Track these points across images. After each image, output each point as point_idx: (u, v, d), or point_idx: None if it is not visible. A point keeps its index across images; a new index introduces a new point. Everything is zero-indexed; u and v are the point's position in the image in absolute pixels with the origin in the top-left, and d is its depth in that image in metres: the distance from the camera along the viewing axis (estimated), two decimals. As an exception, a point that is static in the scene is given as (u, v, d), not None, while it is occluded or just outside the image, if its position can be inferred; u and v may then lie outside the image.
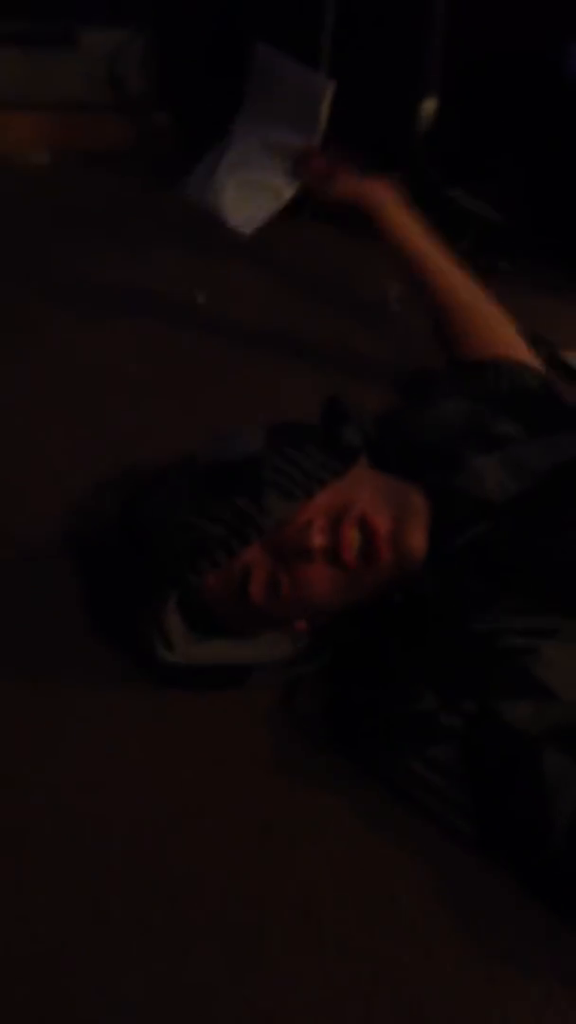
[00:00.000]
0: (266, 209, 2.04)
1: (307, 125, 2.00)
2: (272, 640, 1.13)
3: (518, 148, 1.95)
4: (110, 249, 1.93)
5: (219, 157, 2.10)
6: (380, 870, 0.96)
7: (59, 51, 2.25)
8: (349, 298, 1.89)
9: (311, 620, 1.12)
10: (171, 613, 1.08)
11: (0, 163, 2.20)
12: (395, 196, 1.54)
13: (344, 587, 1.06)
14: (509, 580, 1.03)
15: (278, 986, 0.87)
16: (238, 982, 0.87)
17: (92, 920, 0.91)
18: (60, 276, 1.83)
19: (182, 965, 0.88)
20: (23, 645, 1.16)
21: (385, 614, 1.07)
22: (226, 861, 0.96)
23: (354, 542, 1.04)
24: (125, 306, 1.77)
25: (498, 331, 1.49)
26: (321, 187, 1.61)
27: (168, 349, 1.67)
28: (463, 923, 0.92)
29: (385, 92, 2.00)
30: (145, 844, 0.97)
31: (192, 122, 2.24)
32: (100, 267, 1.87)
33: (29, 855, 0.96)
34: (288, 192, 2.04)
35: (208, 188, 2.08)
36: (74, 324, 1.71)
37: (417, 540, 1.06)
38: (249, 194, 2.05)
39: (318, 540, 1.04)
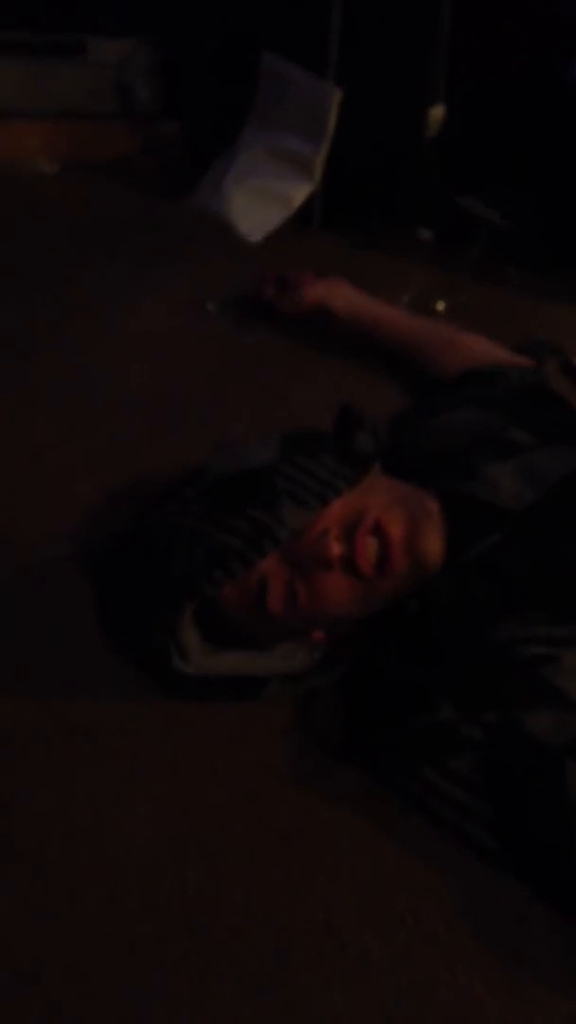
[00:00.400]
0: (274, 217, 2.05)
1: (314, 133, 2.01)
2: (288, 651, 1.12)
3: (527, 155, 1.94)
4: (118, 258, 1.92)
5: (227, 165, 2.11)
6: (399, 884, 0.95)
7: (67, 60, 2.25)
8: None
9: (329, 630, 1.11)
10: (187, 625, 1.07)
11: (7, 172, 2.19)
12: (347, 284, 1.66)
13: (362, 596, 1.05)
14: (527, 589, 1.03)
15: (298, 1003, 0.86)
16: (257, 998, 0.86)
17: (107, 937, 0.90)
18: (67, 286, 1.83)
19: (199, 981, 0.87)
20: (34, 657, 1.15)
21: (401, 624, 1.06)
22: (243, 875, 0.95)
23: (370, 550, 1.04)
24: (133, 314, 1.76)
25: (475, 343, 1.54)
26: (291, 300, 1.67)
27: (178, 358, 1.66)
28: (485, 937, 0.91)
29: (392, 99, 2.00)
30: (160, 859, 0.96)
31: (200, 131, 2.25)
32: (108, 276, 1.86)
33: (40, 870, 0.95)
34: (297, 199, 2.05)
35: (216, 196, 2.09)
36: (81, 333, 1.70)
37: (433, 545, 1.05)
38: (257, 202, 2.06)
39: (335, 549, 1.03)
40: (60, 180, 2.24)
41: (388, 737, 1.02)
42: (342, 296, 1.64)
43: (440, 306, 1.80)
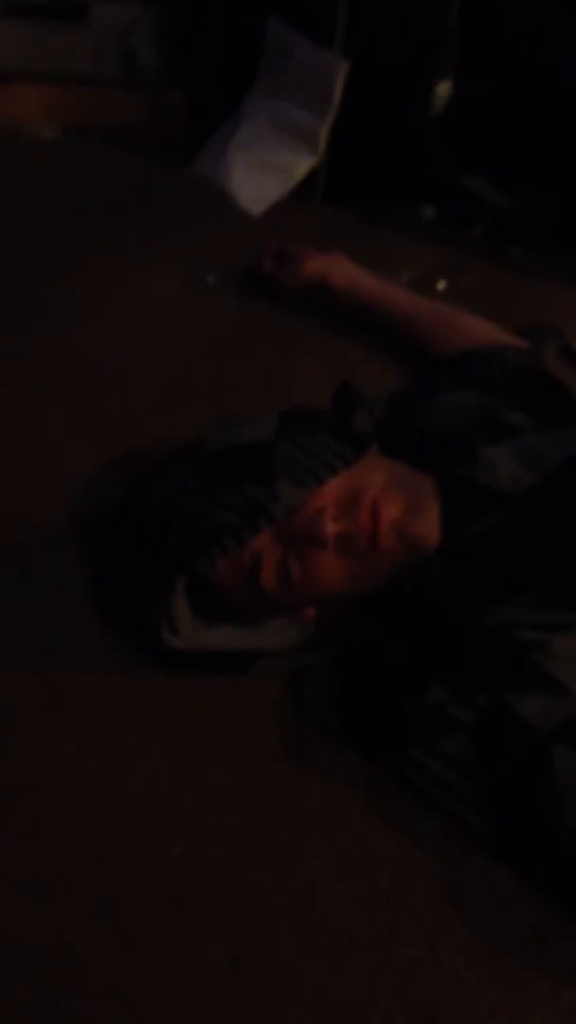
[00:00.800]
0: (276, 189, 2.04)
1: (319, 105, 1.99)
2: (279, 627, 1.12)
3: (533, 134, 1.93)
4: (119, 227, 1.91)
5: (230, 135, 2.09)
6: (386, 863, 0.95)
7: (71, 25, 2.22)
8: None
9: (321, 608, 1.11)
10: (179, 599, 1.07)
11: (10, 136, 2.17)
12: (347, 260, 1.66)
13: (355, 575, 1.05)
14: (521, 573, 1.03)
15: (283, 979, 0.86)
16: (240, 972, 0.87)
17: (95, 911, 0.90)
18: (68, 254, 1.81)
19: (184, 954, 0.88)
20: (27, 629, 1.15)
21: (395, 604, 1.06)
22: (229, 850, 0.96)
23: (368, 529, 1.04)
24: (133, 286, 1.75)
25: (472, 323, 1.54)
26: (290, 274, 1.67)
27: (177, 329, 1.65)
28: (470, 917, 0.91)
29: (399, 73, 1.99)
30: (150, 834, 0.96)
31: (204, 99, 2.22)
32: (108, 245, 1.85)
33: (31, 844, 0.95)
34: (299, 172, 2.04)
35: (218, 167, 2.07)
36: (80, 302, 1.69)
37: (427, 527, 1.05)
38: (259, 173, 2.04)
39: (330, 528, 1.03)
40: (60, 145, 2.22)
41: (379, 717, 1.02)
42: (342, 271, 1.64)
43: (441, 285, 1.80)
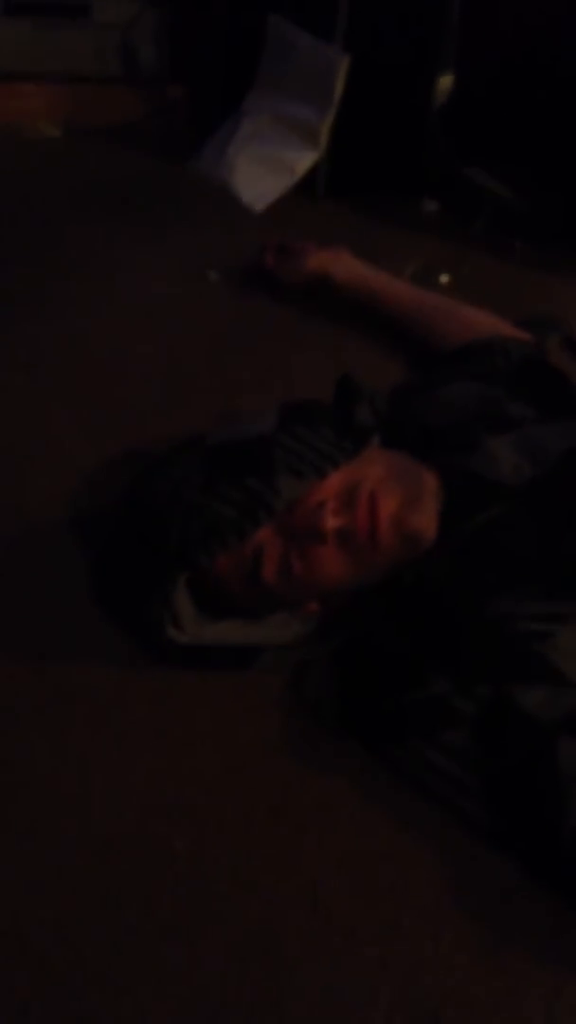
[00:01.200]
0: (278, 185, 2.03)
1: (321, 100, 1.98)
2: (281, 622, 1.11)
3: (535, 127, 1.92)
4: (120, 224, 1.91)
5: (231, 131, 2.09)
6: (389, 856, 0.95)
7: (72, 22, 2.22)
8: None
9: (322, 601, 1.10)
10: (180, 593, 1.06)
11: (12, 134, 2.17)
12: (349, 254, 1.66)
13: (356, 568, 1.05)
14: (523, 565, 1.03)
15: (284, 972, 0.86)
16: (243, 967, 0.86)
17: (98, 906, 0.90)
18: (69, 251, 1.82)
19: (186, 949, 0.87)
20: (29, 623, 1.15)
21: (397, 596, 1.06)
22: (232, 845, 0.95)
23: (366, 524, 1.03)
24: (134, 282, 1.75)
25: (475, 316, 1.53)
26: (292, 269, 1.67)
27: (179, 326, 1.65)
28: (472, 910, 0.91)
29: (401, 67, 1.98)
30: (150, 827, 0.96)
31: (205, 95, 2.22)
32: (110, 242, 1.85)
33: (32, 837, 0.95)
34: (301, 167, 2.03)
35: (220, 163, 2.07)
36: (82, 298, 1.69)
37: (425, 521, 1.05)
38: (261, 169, 2.04)
39: (331, 522, 1.03)
40: (63, 143, 2.22)
41: (381, 709, 1.02)
42: (343, 266, 1.63)
43: (444, 279, 1.79)
